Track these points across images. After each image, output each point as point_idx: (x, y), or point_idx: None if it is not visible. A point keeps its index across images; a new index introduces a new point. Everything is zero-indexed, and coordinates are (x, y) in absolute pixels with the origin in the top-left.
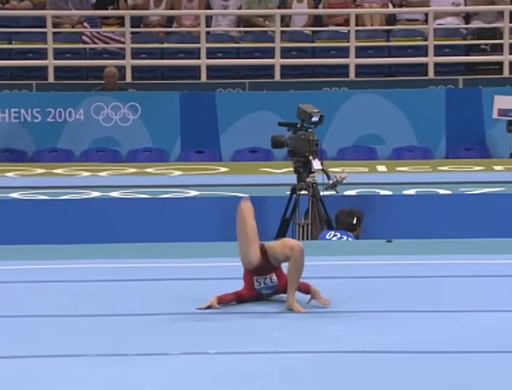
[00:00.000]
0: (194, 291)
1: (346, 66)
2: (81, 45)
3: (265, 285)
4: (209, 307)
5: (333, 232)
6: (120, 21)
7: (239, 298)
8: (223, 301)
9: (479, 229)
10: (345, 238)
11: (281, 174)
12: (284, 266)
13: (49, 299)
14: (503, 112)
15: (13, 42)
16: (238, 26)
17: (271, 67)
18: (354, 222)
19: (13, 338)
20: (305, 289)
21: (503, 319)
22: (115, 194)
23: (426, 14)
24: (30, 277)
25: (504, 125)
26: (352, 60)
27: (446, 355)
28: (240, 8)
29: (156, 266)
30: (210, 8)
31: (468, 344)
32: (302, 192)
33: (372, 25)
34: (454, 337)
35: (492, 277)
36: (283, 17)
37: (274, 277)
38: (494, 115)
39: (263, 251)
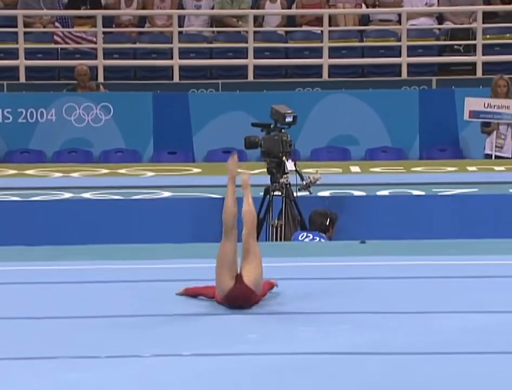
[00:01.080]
0: (166, 293)
1: (319, 67)
2: (53, 45)
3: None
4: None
5: (305, 233)
6: (92, 21)
7: (208, 294)
8: (189, 293)
9: (453, 230)
10: (317, 239)
11: (254, 175)
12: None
13: (19, 301)
14: (473, 114)
15: None
16: (211, 26)
17: (244, 67)
18: (327, 223)
19: None
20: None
21: (477, 320)
22: (87, 195)
23: (399, 15)
24: None
25: (477, 125)
26: (325, 61)
27: (420, 356)
28: (212, 8)
29: (128, 267)
30: (183, 8)
31: (443, 346)
32: (276, 193)
33: (345, 26)
34: (428, 339)
35: (466, 278)
36: (256, 17)
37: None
38: (466, 116)
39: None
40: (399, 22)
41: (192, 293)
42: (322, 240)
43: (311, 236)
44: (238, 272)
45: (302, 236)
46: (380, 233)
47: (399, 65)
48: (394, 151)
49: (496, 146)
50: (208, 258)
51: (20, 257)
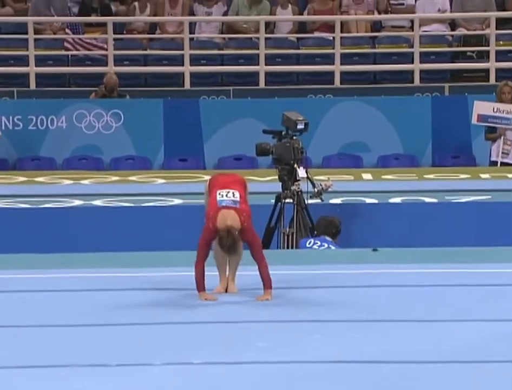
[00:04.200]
0: (175, 301)
1: (331, 73)
2: (63, 52)
3: (227, 198)
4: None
5: (312, 240)
6: (103, 28)
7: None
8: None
9: (466, 238)
10: (326, 245)
11: (265, 182)
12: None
13: (27, 309)
14: (482, 118)
15: None
16: (222, 33)
17: (255, 74)
18: (336, 230)
19: None
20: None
21: (492, 329)
22: (97, 202)
23: (412, 21)
24: (7, 286)
25: None
26: (337, 67)
27: (431, 365)
28: (224, 15)
29: (138, 275)
30: (194, 15)
31: (455, 354)
32: (287, 200)
33: (357, 32)
34: (440, 347)
35: (477, 286)
36: (267, 24)
37: (237, 194)
38: (474, 120)
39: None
40: (412, 28)
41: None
42: (332, 246)
43: (319, 243)
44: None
45: (310, 243)
46: (392, 240)
47: (412, 72)
48: (406, 158)
49: (502, 152)
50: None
51: (29, 265)
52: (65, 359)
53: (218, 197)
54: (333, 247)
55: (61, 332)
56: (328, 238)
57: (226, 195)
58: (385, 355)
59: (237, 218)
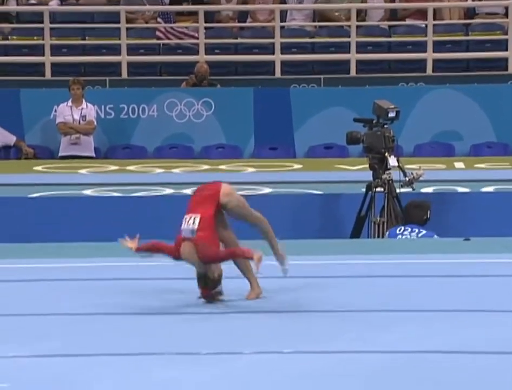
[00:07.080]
0: (264, 290)
1: (423, 61)
2: (155, 41)
3: (187, 226)
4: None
5: (402, 227)
6: (194, 16)
7: (157, 249)
8: (140, 249)
9: None
10: (416, 230)
11: (356, 171)
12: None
13: (115, 296)
14: None
15: (87, 38)
16: (313, 21)
17: (346, 62)
18: (427, 216)
19: (78, 337)
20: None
21: None
22: (188, 191)
23: (507, 8)
24: (98, 274)
25: None
26: (429, 55)
27: None
28: (315, 2)
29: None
30: (285, 3)
31: None
32: (378, 189)
33: (450, 19)
34: None
35: None
36: (359, 11)
37: (197, 220)
38: None
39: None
40: (506, 15)
41: (147, 249)
42: (422, 230)
43: (409, 229)
44: None
45: (400, 229)
46: (485, 230)
47: (506, 59)
48: (499, 147)
49: None
50: (307, 255)
51: (119, 253)
52: (153, 347)
53: (182, 224)
54: (423, 231)
55: (148, 321)
56: (420, 227)
57: (187, 222)
58: (480, 346)
59: (193, 251)
